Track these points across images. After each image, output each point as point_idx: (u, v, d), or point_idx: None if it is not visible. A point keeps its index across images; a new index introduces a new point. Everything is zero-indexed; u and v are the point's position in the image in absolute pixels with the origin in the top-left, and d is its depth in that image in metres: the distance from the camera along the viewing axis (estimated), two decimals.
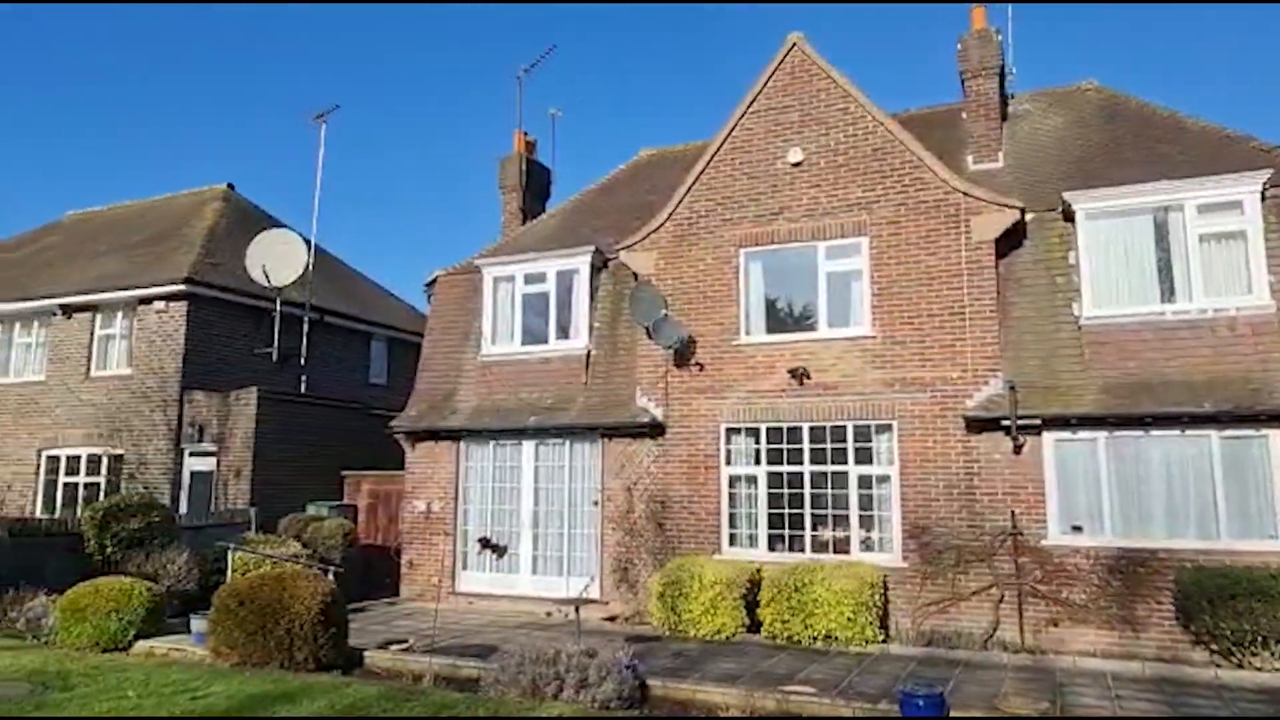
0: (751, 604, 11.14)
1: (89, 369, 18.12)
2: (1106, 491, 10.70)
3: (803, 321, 12.65)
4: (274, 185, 68.51)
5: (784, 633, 10.75)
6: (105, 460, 17.36)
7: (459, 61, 76.67)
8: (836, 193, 12.55)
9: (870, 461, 11.83)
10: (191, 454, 16.73)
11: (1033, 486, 10.96)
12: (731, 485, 12.58)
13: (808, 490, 12.06)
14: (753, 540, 12.33)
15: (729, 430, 12.67)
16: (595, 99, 69.65)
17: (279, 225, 20.09)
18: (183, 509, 16.05)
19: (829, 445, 12.03)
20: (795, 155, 12.87)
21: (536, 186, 18.51)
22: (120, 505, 13.00)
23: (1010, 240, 11.83)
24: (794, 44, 13.23)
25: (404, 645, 10.32)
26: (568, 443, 13.70)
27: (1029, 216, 11.90)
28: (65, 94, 68.65)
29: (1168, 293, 11.05)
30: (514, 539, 13.92)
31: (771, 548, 12.16)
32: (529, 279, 14.56)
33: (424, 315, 18.06)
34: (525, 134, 18.52)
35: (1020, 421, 10.86)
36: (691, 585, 11.20)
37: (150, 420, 16.96)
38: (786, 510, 12.16)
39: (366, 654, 10.01)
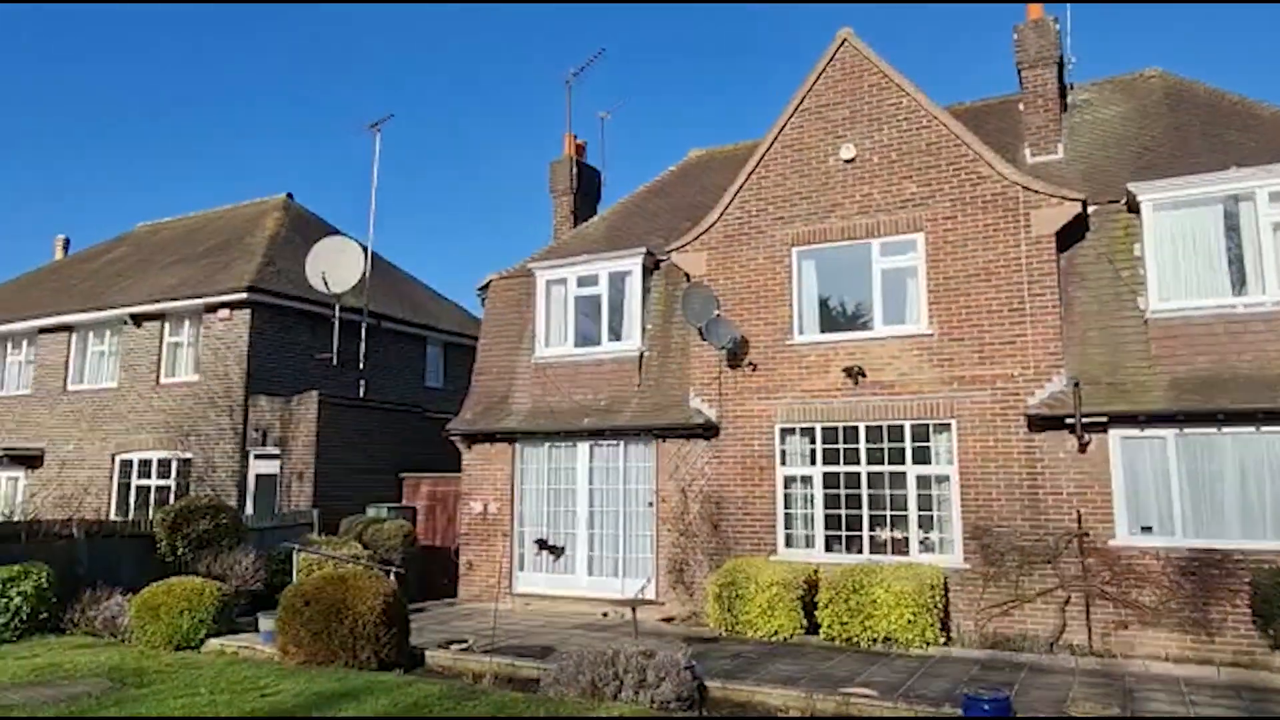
0: (809, 605, 11.05)
1: (158, 376, 18.72)
2: (1177, 491, 10.38)
3: (857, 320, 12.51)
4: (331, 194, 70.06)
5: (842, 635, 10.65)
6: (175, 464, 17.93)
7: (509, 67, 77.47)
8: (890, 189, 12.39)
9: (928, 461, 11.65)
10: (256, 457, 17.18)
11: (1099, 486, 10.67)
12: (787, 486, 12.49)
13: (865, 491, 11.92)
14: (809, 541, 12.23)
15: (783, 430, 12.58)
16: (644, 101, 69.71)
17: (336, 233, 20.53)
18: (248, 511, 16.48)
19: (886, 445, 11.87)
20: (847, 152, 12.73)
21: (587, 189, 18.62)
22: (190, 508, 13.40)
23: (1072, 233, 11.54)
24: (844, 39, 13.10)
25: (464, 645, 10.46)
26: (622, 444, 13.74)
27: (1091, 209, 11.60)
28: (136, 111, 71.10)
29: (1239, 284, 10.67)
30: (570, 540, 14.01)
31: (828, 549, 12.04)
32: (581, 281, 14.64)
33: (478, 319, 18.29)
34: (575, 137, 18.65)
35: (1085, 419, 10.58)
36: (748, 586, 11.15)
37: (217, 425, 17.46)
38: (843, 511, 12.04)
39: (427, 653, 10.17)
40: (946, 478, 11.51)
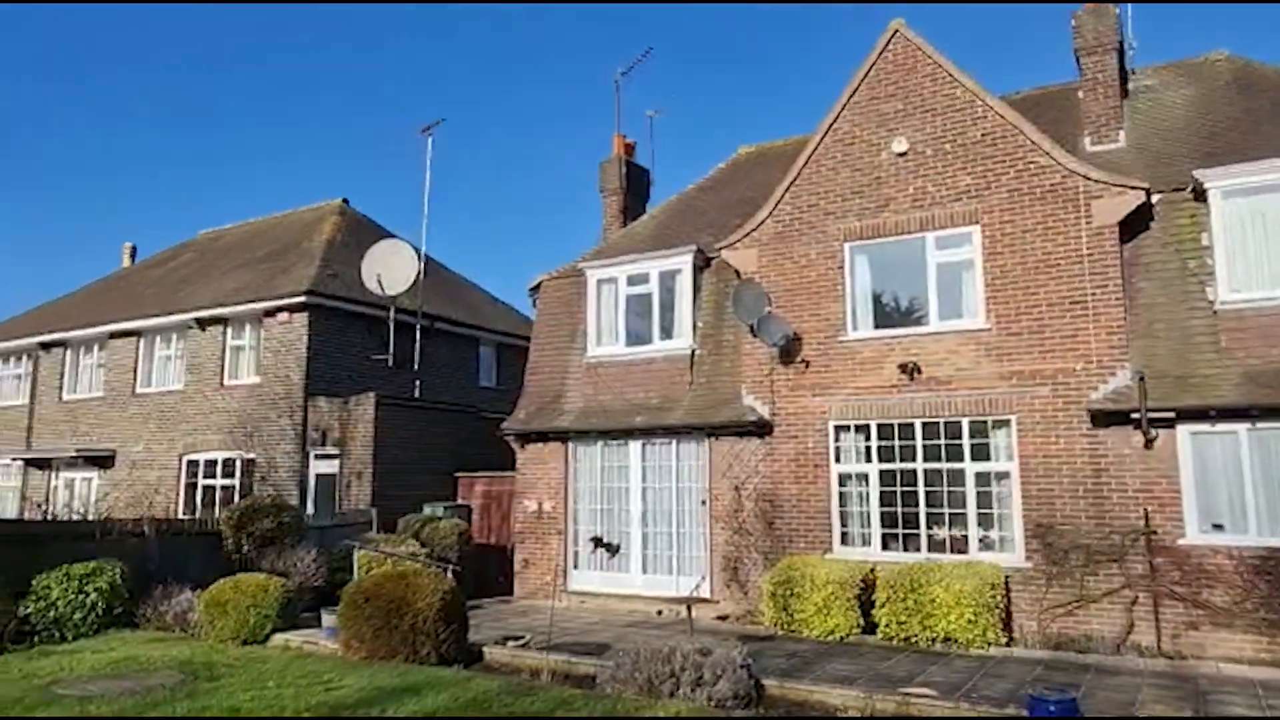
0: (866, 604, 10.93)
1: (222, 378, 19.26)
2: (1250, 487, 10.02)
3: (911, 315, 12.34)
4: (385, 198, 71.29)
5: (901, 634, 10.51)
6: (239, 464, 18.43)
7: (557, 67, 77.95)
8: (945, 181, 12.18)
9: (987, 458, 11.43)
10: (316, 457, 17.57)
11: (1166, 483, 10.37)
12: (842, 483, 12.37)
13: (921, 488, 11.75)
14: (865, 539, 12.10)
15: (837, 427, 12.46)
16: (693, 99, 69.58)
17: (391, 236, 20.87)
18: (308, 510, 16.87)
19: (943, 441, 11.68)
20: (900, 145, 12.56)
21: (636, 188, 18.64)
22: (254, 506, 13.77)
23: (1135, 223, 11.22)
24: (896, 30, 12.92)
25: (521, 642, 10.57)
26: (674, 442, 13.74)
27: (1155, 197, 11.27)
28: (199, 121, 73.22)
29: None
30: (623, 538, 14.06)
31: (885, 547, 11.89)
32: (632, 280, 14.68)
33: (530, 319, 18.44)
34: (624, 137, 18.69)
35: (1151, 414, 10.28)
36: (803, 585, 11.07)
37: (278, 425, 17.90)
38: (900, 509, 11.88)
39: (485, 650, 10.30)
40: (1006, 474, 11.29)
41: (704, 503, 13.34)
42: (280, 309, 18.32)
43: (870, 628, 10.84)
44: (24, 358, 23.38)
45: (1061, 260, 11.26)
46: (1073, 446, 10.88)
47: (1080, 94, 13.51)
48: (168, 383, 20.33)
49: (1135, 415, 10.39)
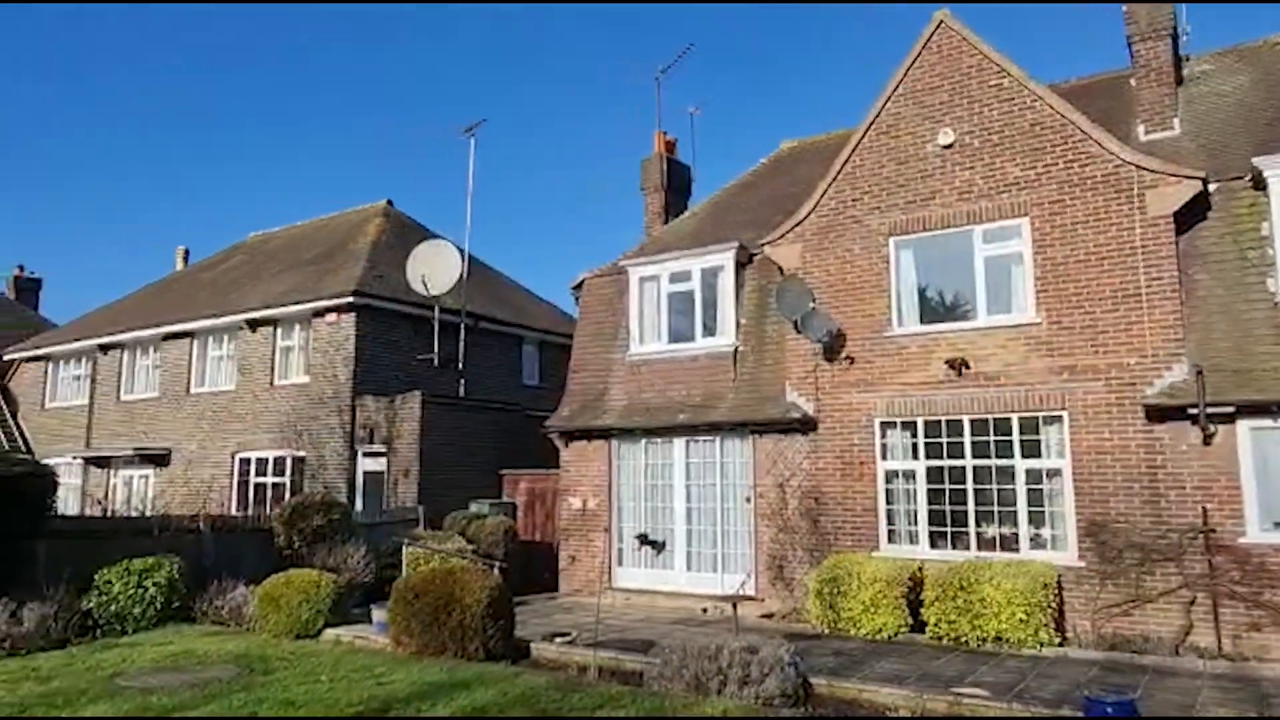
0: (914, 603, 10.81)
1: (272, 378, 19.63)
2: None
3: (958, 310, 12.16)
4: (429, 198, 72.11)
5: (950, 633, 10.37)
6: (289, 462, 18.78)
7: (598, 65, 78.14)
8: (992, 173, 11.97)
9: (1038, 454, 11.23)
10: (364, 455, 17.84)
11: (1226, 480, 10.08)
12: (888, 481, 12.24)
13: (970, 485, 11.57)
14: (913, 537, 11.96)
15: (883, 424, 12.32)
16: (734, 95, 69.32)
17: (435, 236, 21.09)
18: (357, 507, 17.12)
19: (992, 438, 11.49)
20: (946, 137, 12.37)
21: (677, 185, 18.61)
22: (304, 504, 14.02)
23: (1192, 213, 10.93)
24: (941, 21, 12.72)
25: (568, 638, 10.63)
26: (718, 440, 13.71)
27: (1212, 186, 10.96)
28: (245, 124, 74.73)
29: None
30: (667, 536, 14.07)
31: (933, 545, 11.74)
32: (674, 277, 14.66)
33: (572, 318, 18.52)
34: (665, 134, 18.67)
35: (1210, 409, 10.00)
36: (850, 583, 10.98)
37: (327, 424, 18.21)
38: (948, 506, 11.72)
39: (532, 646, 10.38)
40: (1058, 471, 11.07)
41: (748, 500, 13.29)
42: (328, 309, 18.62)
43: (918, 627, 10.71)
44: (83, 359, 24.08)
45: (1114, 252, 11.00)
46: (1127, 443, 10.63)
47: (1133, 82, 13.19)
48: (220, 383, 20.77)
49: (1193, 410, 10.12)
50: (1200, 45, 14.34)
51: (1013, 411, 11.36)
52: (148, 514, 14.74)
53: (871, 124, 13.03)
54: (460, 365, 19.08)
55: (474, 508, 15.87)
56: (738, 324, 14.04)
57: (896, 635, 10.68)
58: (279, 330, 19.79)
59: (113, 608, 11.39)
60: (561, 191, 76.54)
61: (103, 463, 22.30)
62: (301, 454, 18.50)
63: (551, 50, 79.19)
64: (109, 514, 17.35)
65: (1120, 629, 10.26)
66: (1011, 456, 11.35)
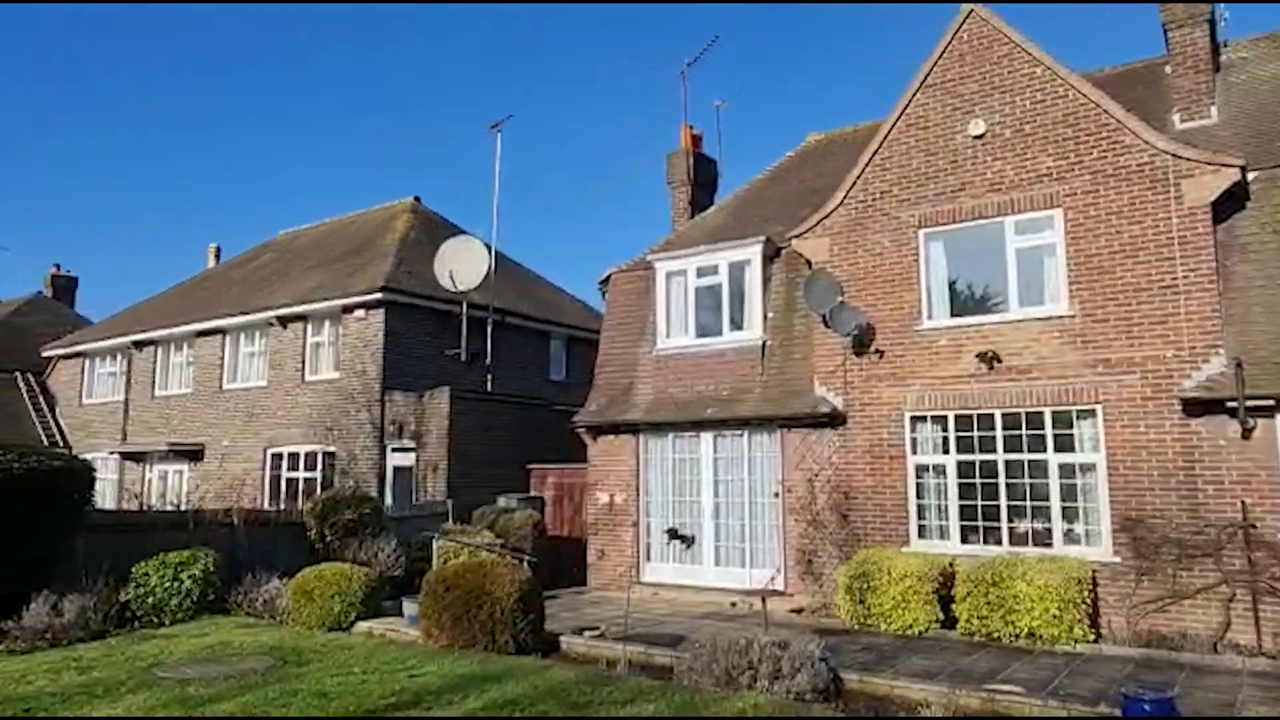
0: (945, 599, 10.72)
1: (303, 374, 19.84)
2: None
3: (989, 303, 12.02)
4: (456, 194, 72.52)
5: (982, 629, 10.28)
6: (320, 457, 18.98)
7: (624, 62, 78.10)
8: (1024, 164, 11.82)
9: (1072, 449, 11.08)
10: (393, 450, 17.99)
11: (1266, 474, 9.88)
12: (918, 475, 12.14)
13: (1002, 480, 11.45)
14: (943, 532, 11.85)
15: (914, 418, 12.22)
16: (761, 88, 68.95)
17: (462, 233, 21.21)
18: (387, 501, 17.28)
19: (1024, 432, 11.36)
20: (976, 127, 12.22)
21: (704, 179, 18.56)
22: (335, 498, 14.17)
23: (1230, 203, 10.72)
24: (971, 9, 12.56)
25: (597, 632, 10.66)
26: (746, 434, 13.67)
27: (1252, 175, 10.75)
28: (275, 122, 75.54)
29: None
30: (696, 530, 14.05)
31: (964, 540, 11.64)
32: (701, 272, 14.63)
33: (599, 313, 18.54)
34: (691, 128, 18.61)
35: (1249, 403, 9.81)
36: (880, 578, 10.91)
37: (357, 420, 18.38)
38: (979, 501, 11.60)
39: (562, 639, 10.42)
40: (1092, 466, 10.92)
41: (777, 495, 13.25)
42: (357, 306, 18.78)
43: (950, 622, 10.62)
44: (119, 356, 24.49)
45: (1150, 243, 10.82)
46: (1163, 437, 10.46)
47: (1168, 69, 12.96)
48: (252, 379, 21.04)
49: (1231, 404, 9.94)
50: (1239, 31, 14.05)
51: (1045, 405, 11.22)
52: (182, 508, 14.97)
53: (900, 115, 12.90)
54: (488, 360, 19.18)
55: (502, 502, 15.93)
56: (765, 318, 13.98)
57: (927, 631, 10.60)
58: (309, 326, 19.99)
59: (150, 600, 11.58)
60: (589, 187, 76.71)
61: (138, 458, 22.68)
62: (332, 449, 18.69)
63: (578, 47, 79.29)
64: (145, 508, 17.67)
65: (1156, 626, 10.11)
66: (1044, 451, 11.21)
